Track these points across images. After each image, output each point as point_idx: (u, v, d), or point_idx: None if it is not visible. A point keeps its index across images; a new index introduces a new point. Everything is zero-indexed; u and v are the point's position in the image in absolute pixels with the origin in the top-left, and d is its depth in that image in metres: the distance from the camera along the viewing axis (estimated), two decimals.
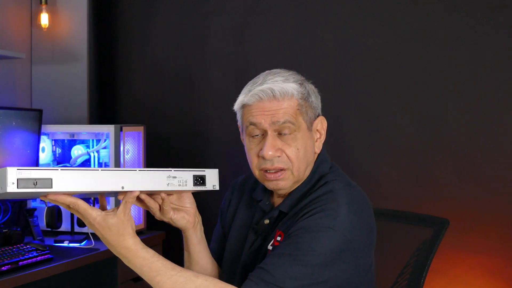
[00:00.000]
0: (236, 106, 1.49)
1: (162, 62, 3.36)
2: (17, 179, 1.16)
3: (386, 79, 2.90)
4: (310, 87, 1.49)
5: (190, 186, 1.35)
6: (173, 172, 1.33)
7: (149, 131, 3.05)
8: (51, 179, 1.20)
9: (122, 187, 1.26)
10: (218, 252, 1.65)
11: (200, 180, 1.37)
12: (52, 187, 1.20)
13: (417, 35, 2.83)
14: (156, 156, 3.22)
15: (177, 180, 1.33)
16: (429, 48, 2.81)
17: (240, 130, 1.51)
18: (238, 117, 1.50)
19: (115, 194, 1.34)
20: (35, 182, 1.18)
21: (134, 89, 3.44)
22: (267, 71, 1.50)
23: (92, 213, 1.27)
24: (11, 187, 1.16)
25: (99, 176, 1.24)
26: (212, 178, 1.39)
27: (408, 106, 2.86)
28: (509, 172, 2.69)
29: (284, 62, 3.12)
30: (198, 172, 1.37)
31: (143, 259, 1.30)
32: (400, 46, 2.87)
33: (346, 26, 2.97)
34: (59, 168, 1.21)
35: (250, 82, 1.49)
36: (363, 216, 1.44)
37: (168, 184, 1.32)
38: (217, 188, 1.39)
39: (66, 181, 1.21)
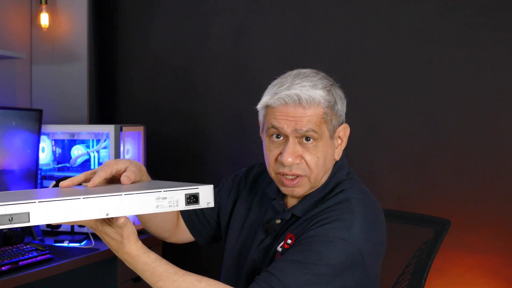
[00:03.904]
0: (260, 105, 1.45)
1: (162, 62, 3.36)
2: None
3: (386, 79, 2.90)
4: (338, 93, 1.46)
5: (182, 206, 1.23)
6: (162, 193, 1.21)
7: (149, 131, 3.05)
8: (28, 213, 1.09)
9: (107, 214, 1.17)
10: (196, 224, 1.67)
11: (193, 198, 1.24)
12: (29, 221, 1.09)
13: (417, 35, 2.83)
14: (156, 156, 3.22)
15: (167, 201, 1.22)
16: (429, 48, 2.81)
17: (261, 127, 1.48)
18: (260, 116, 1.46)
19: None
20: (11, 218, 1.08)
21: (134, 89, 3.44)
22: (296, 71, 1.45)
23: (90, 221, 1.24)
24: None
25: (81, 205, 1.14)
26: (206, 195, 1.26)
27: (408, 106, 2.86)
28: (509, 172, 2.69)
29: (284, 62, 3.13)
30: (191, 189, 1.24)
31: (144, 264, 1.28)
32: (400, 46, 2.87)
33: (346, 26, 2.97)
34: (37, 200, 1.10)
35: (276, 82, 1.44)
36: (377, 228, 1.42)
37: (157, 206, 1.21)
38: (212, 205, 1.26)
39: (44, 214, 1.11)
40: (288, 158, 1.39)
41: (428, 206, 2.71)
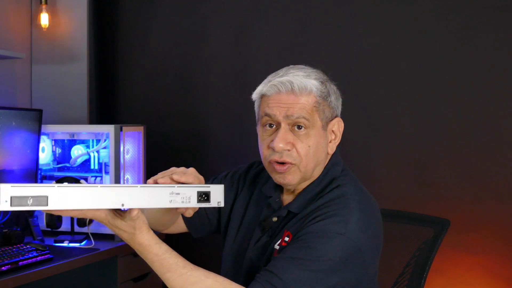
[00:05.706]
0: (255, 95, 1.47)
1: (162, 62, 3.37)
2: (11, 197, 1.09)
3: (386, 79, 2.90)
4: (332, 88, 1.48)
5: (194, 203, 1.29)
6: (176, 188, 1.27)
7: (149, 131, 3.05)
8: (47, 197, 1.13)
9: (122, 205, 1.21)
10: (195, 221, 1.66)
11: (204, 196, 1.30)
12: (47, 205, 1.13)
13: (417, 35, 2.84)
14: (156, 156, 3.22)
15: (180, 197, 1.27)
16: (429, 48, 2.81)
17: (256, 119, 1.50)
18: (256, 106, 1.49)
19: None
20: (30, 199, 1.11)
21: (134, 89, 3.44)
22: (291, 65, 1.49)
23: (100, 215, 1.24)
24: (4, 205, 1.09)
25: (98, 193, 1.18)
26: (217, 194, 1.32)
27: (408, 106, 2.86)
28: (509, 172, 2.69)
29: (284, 62, 3.12)
30: (203, 188, 1.31)
31: (155, 255, 1.29)
32: (400, 46, 2.87)
33: (346, 26, 2.97)
34: (56, 185, 1.15)
35: (272, 74, 1.47)
36: (373, 224, 1.43)
37: (170, 201, 1.27)
38: (222, 205, 1.33)
39: (62, 199, 1.14)
40: (279, 144, 1.40)
41: (427, 206, 2.72)
